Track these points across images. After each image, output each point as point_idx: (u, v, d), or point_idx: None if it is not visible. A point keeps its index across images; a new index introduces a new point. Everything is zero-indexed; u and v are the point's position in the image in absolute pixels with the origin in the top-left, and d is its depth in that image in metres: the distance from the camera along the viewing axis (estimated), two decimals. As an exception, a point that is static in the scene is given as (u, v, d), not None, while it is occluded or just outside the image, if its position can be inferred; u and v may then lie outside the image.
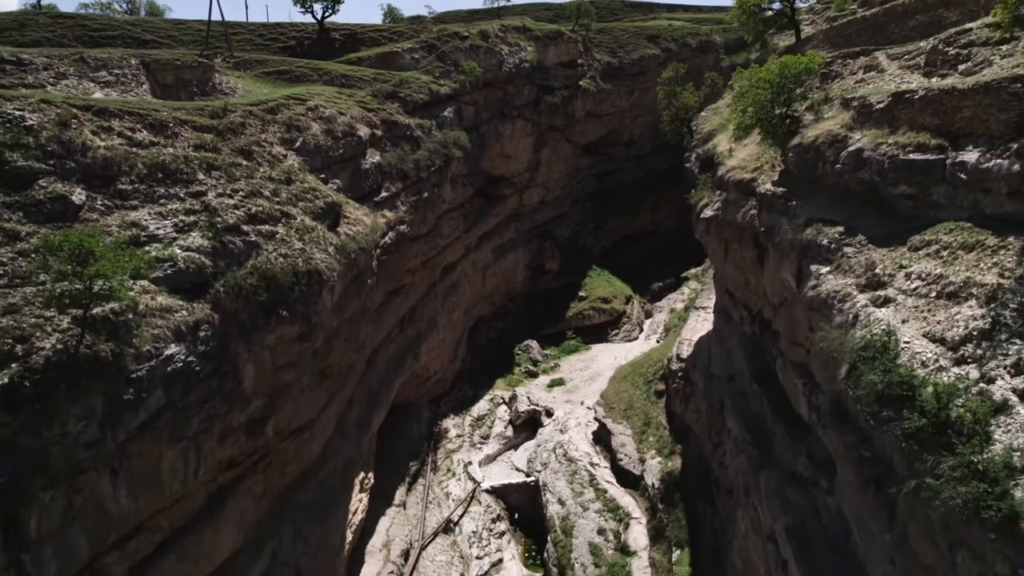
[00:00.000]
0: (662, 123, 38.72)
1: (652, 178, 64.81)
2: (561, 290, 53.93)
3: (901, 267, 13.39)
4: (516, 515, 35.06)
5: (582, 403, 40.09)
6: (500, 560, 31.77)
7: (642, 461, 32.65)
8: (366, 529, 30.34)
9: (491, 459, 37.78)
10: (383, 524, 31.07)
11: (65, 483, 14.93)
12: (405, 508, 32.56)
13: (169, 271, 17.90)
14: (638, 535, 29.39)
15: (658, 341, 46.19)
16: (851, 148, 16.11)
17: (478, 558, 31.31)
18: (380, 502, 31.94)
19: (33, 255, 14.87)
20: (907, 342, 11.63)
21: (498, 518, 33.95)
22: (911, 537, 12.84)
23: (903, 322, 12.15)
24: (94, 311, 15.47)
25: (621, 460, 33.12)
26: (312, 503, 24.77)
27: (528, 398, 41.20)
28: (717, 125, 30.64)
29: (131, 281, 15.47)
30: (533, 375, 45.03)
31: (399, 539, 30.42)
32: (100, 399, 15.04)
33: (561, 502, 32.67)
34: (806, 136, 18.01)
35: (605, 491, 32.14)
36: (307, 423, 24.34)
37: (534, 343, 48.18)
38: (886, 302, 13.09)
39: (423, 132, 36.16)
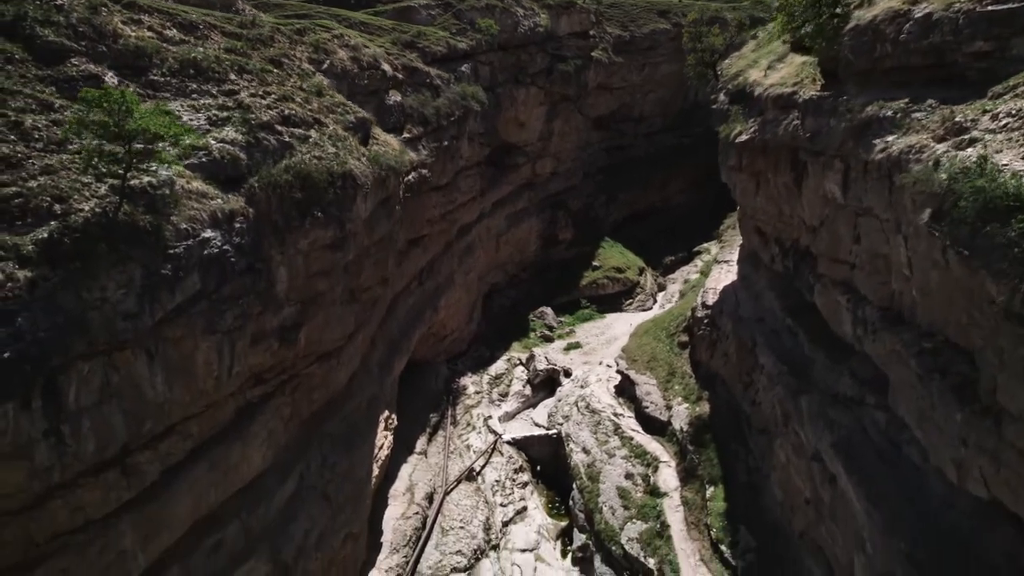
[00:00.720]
0: (687, 67, 38.27)
1: (662, 154, 64.52)
2: (574, 260, 53.39)
3: (985, 111, 12.86)
4: (538, 467, 34.36)
5: (601, 363, 39.42)
6: (524, 508, 31.10)
7: (668, 408, 32.00)
8: (388, 475, 29.66)
9: (510, 416, 37.11)
10: (405, 470, 30.39)
11: (103, 356, 14.29)
12: (427, 456, 31.88)
13: (204, 159, 17.37)
14: (668, 477, 28.72)
15: (674, 308, 45.72)
16: (918, 15, 15.63)
17: (502, 505, 30.62)
18: (402, 450, 31.27)
19: (69, 124, 14.26)
20: (1005, 164, 11.09)
21: (520, 469, 33.28)
22: (1001, 388, 12.25)
23: (997, 152, 11.61)
24: (132, 182, 14.88)
25: (647, 408, 32.47)
26: (338, 434, 24.13)
27: (546, 358, 40.59)
28: (744, 65, 30.21)
29: (172, 149, 14.88)
30: (549, 340, 44.43)
31: (422, 484, 29.73)
32: (139, 269, 14.47)
33: (585, 451, 32.00)
34: (863, 18, 17.54)
35: (631, 438, 31.48)
36: (335, 350, 23.81)
37: (548, 310, 47.60)
38: (972, 143, 12.55)
39: (442, 82, 35.74)
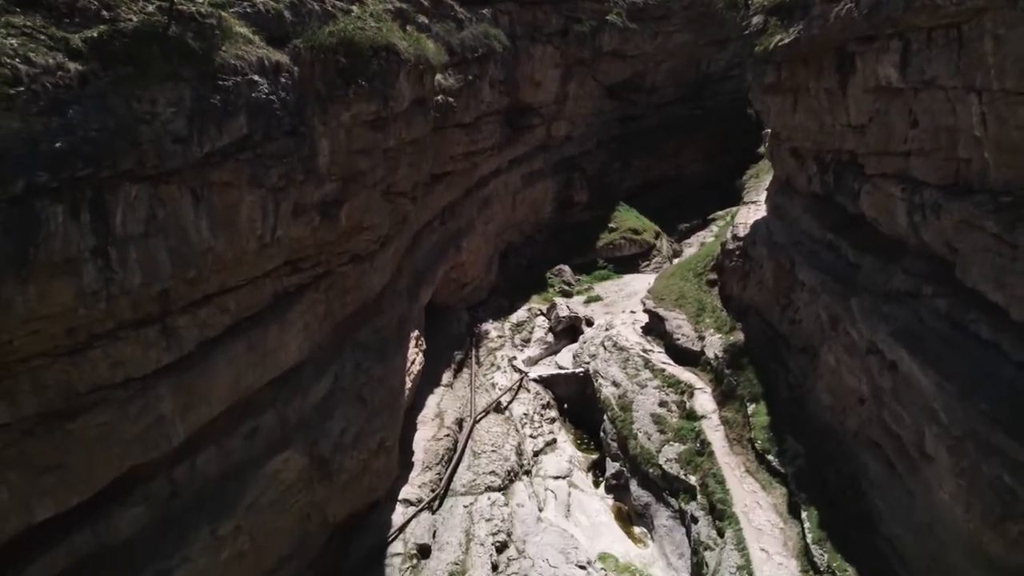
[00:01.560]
0: (716, -3, 37.75)
1: (674, 126, 64.09)
2: (589, 223, 52.79)
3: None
4: (565, 405, 33.55)
5: (624, 311, 38.73)
6: (554, 440, 30.32)
7: (701, 339, 31.28)
8: (416, 404, 28.85)
9: (534, 361, 36.35)
10: (432, 400, 29.59)
11: (150, 186, 13.60)
12: (452, 388, 31.05)
13: (248, 10, 16.68)
14: (704, 402, 27.96)
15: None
16: None
17: (532, 437, 29.81)
18: (428, 384, 30.47)
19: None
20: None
21: (548, 405, 32.51)
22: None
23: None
24: (180, 6, 14.22)
25: (678, 340, 31.74)
26: (371, 344, 23.46)
27: (567, 307, 39.89)
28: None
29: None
30: (567, 295, 43.80)
31: (451, 411, 28.93)
32: (189, 90, 13.88)
33: (615, 384, 31.23)
34: None
35: (663, 370, 30.73)
36: (368, 254, 23.28)
37: (566, 267, 46.96)
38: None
39: (465, 17, 35.29)
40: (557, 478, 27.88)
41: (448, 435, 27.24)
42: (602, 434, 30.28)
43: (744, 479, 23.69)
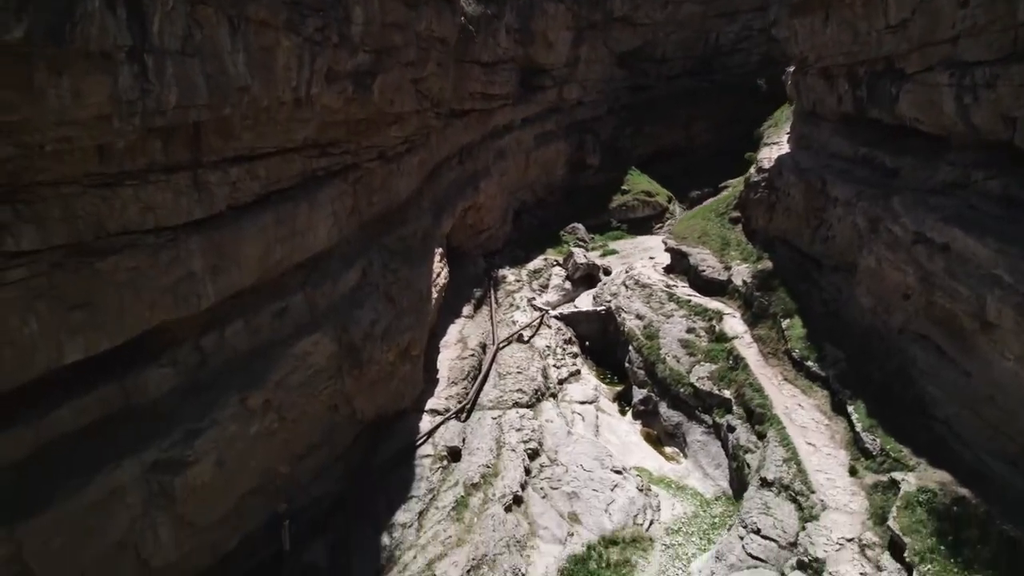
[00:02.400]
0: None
1: (684, 97, 63.70)
2: (602, 186, 52.30)
3: None
4: (587, 343, 32.79)
5: (641, 260, 38.08)
6: (578, 371, 29.52)
7: (727, 268, 30.65)
8: (437, 331, 28.10)
9: (552, 307, 35.57)
10: (454, 328, 28.91)
11: (187, 2, 12.95)
12: (473, 319, 30.32)
13: None
14: (734, 324, 27.27)
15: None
16: None
17: (556, 367, 28.99)
18: (449, 315, 29.80)
19: None
20: None
21: (570, 341, 31.74)
22: None
23: None
24: None
25: (703, 271, 31.08)
26: (397, 250, 22.93)
27: (584, 255, 39.21)
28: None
29: None
30: (583, 248, 43.09)
31: (473, 337, 28.23)
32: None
33: (639, 316, 30.53)
34: None
35: (688, 300, 30.04)
36: (394, 156, 22.57)
37: (580, 225, 46.37)
38: None
39: (483, -45, 34.86)
40: (584, 403, 27.10)
41: (472, 355, 26.51)
42: (627, 364, 29.52)
43: (782, 386, 22.96)
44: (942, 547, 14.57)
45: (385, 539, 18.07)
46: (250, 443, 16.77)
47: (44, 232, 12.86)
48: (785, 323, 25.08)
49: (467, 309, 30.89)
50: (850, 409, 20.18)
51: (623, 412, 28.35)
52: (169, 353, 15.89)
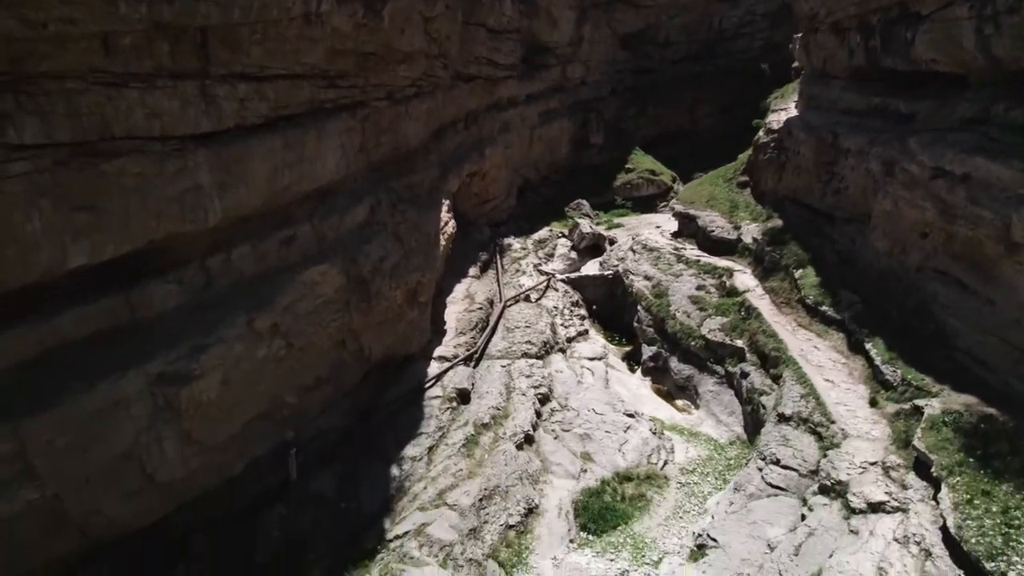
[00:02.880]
0: None
1: (687, 81, 63.48)
2: (606, 165, 51.99)
3: None
4: (594, 307, 32.40)
5: (647, 229, 37.71)
6: (586, 331, 29.09)
7: (736, 228, 30.33)
8: (444, 288, 27.73)
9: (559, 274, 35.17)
10: (461, 287, 28.57)
11: None
12: (480, 280, 29.96)
13: None
14: (745, 280, 26.89)
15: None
16: None
17: (563, 326, 28.59)
18: (455, 276, 29.45)
19: None
20: None
21: (577, 303, 31.32)
22: None
23: None
24: None
25: (712, 232, 30.75)
26: (405, 196, 22.64)
27: (590, 226, 38.86)
28: None
29: None
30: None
31: (481, 293, 27.83)
32: None
33: (647, 277, 30.17)
34: None
35: (697, 260, 29.71)
36: (403, 98, 22.27)
37: (584, 202, 46.00)
38: None
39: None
40: (592, 359, 26.67)
41: (480, 309, 26.14)
42: (635, 324, 29.12)
43: (796, 332, 22.57)
44: (971, 460, 14.16)
45: (394, 471, 17.64)
46: (257, 366, 16.36)
47: (48, 127, 12.55)
48: (798, 273, 24.71)
49: (473, 271, 30.52)
50: (868, 346, 19.80)
51: (632, 370, 27.91)
52: (175, 272, 15.55)
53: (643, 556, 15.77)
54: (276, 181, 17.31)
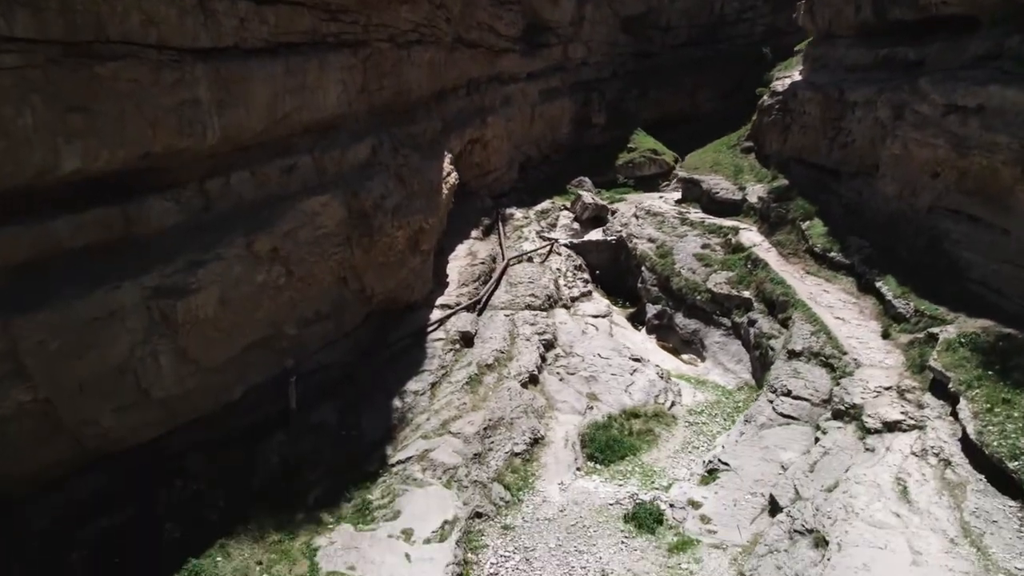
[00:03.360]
0: None
1: (689, 66, 63.16)
2: (607, 145, 51.64)
3: None
4: (597, 272, 32.03)
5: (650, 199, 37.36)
6: (589, 292, 28.69)
7: (741, 189, 29.99)
8: (445, 248, 27.36)
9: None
10: (463, 247, 28.22)
11: None
12: (482, 241, 29.59)
13: None
14: (751, 236, 26.55)
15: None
16: None
17: (567, 287, 28.21)
18: (457, 237, 29.05)
19: None
20: None
21: (580, 267, 30.95)
22: None
23: None
24: None
25: (717, 193, 30.43)
26: (407, 143, 22.14)
27: (593, 197, 38.51)
28: None
29: None
30: (590, 200, 42.26)
31: (483, 251, 27.45)
32: None
33: (651, 240, 29.84)
34: None
35: (702, 221, 29.38)
36: (405, 43, 21.92)
37: (586, 179, 45.60)
38: None
39: None
40: (596, 316, 26.27)
41: (483, 264, 25.81)
42: (639, 285, 28.77)
43: (805, 279, 22.22)
44: (989, 373, 13.78)
45: (396, 403, 17.25)
46: (256, 291, 16.00)
47: (39, 21, 12.23)
48: (804, 225, 24.39)
49: (475, 233, 30.16)
50: (878, 284, 19.45)
51: (636, 329, 27.53)
52: (172, 192, 15.20)
53: (652, 482, 15.37)
54: (277, 107, 16.97)
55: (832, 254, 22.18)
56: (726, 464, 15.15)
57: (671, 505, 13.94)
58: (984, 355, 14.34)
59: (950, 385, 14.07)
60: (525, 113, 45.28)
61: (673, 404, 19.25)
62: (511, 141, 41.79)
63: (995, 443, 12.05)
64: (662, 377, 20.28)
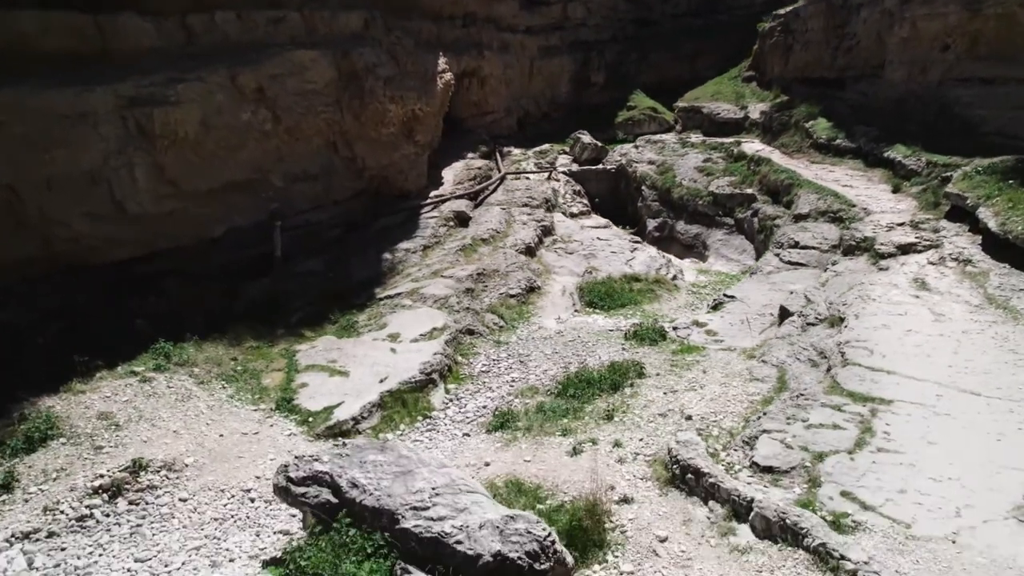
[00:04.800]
0: None
1: (689, 35, 62.66)
2: (607, 105, 50.94)
3: None
4: (596, 200, 31.30)
5: (652, 143, 36.65)
6: (588, 212, 27.95)
7: (743, 108, 29.36)
8: (438, 164, 26.65)
9: (558, 183, 34.12)
10: (459, 164, 27.40)
11: None
12: (479, 160, 28.89)
13: None
14: (754, 146, 25.87)
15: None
16: None
17: (566, 205, 27.50)
18: (451, 159, 28.31)
19: None
20: None
21: (579, 192, 30.24)
22: None
23: None
24: None
25: (719, 114, 29.90)
26: (400, 32, 21.39)
27: (591, 139, 37.85)
28: None
29: None
30: (589, 150, 41.59)
31: (479, 164, 26.78)
32: None
33: (652, 162, 29.19)
34: None
35: (703, 141, 28.75)
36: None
37: (585, 132, 44.96)
38: None
39: None
40: (596, 227, 25.51)
41: (479, 170, 25.14)
42: (639, 204, 28.10)
43: (809, 167, 21.53)
44: (1009, 183, 13.07)
45: (387, 255, 16.54)
46: (240, 128, 15.34)
47: None
48: (808, 124, 23.77)
49: (472, 155, 29.47)
50: (887, 154, 18.79)
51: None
52: (152, 20, 14.55)
53: (656, 321, 14.59)
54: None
55: (837, 141, 21.56)
56: (732, 296, 14.41)
57: (674, 328, 13.18)
58: (1002, 175, 13.65)
59: (968, 202, 13.38)
60: (524, 65, 44.71)
61: (675, 277, 18.50)
62: (509, 90, 41.24)
63: (1020, 228, 11.32)
64: (664, 257, 19.54)
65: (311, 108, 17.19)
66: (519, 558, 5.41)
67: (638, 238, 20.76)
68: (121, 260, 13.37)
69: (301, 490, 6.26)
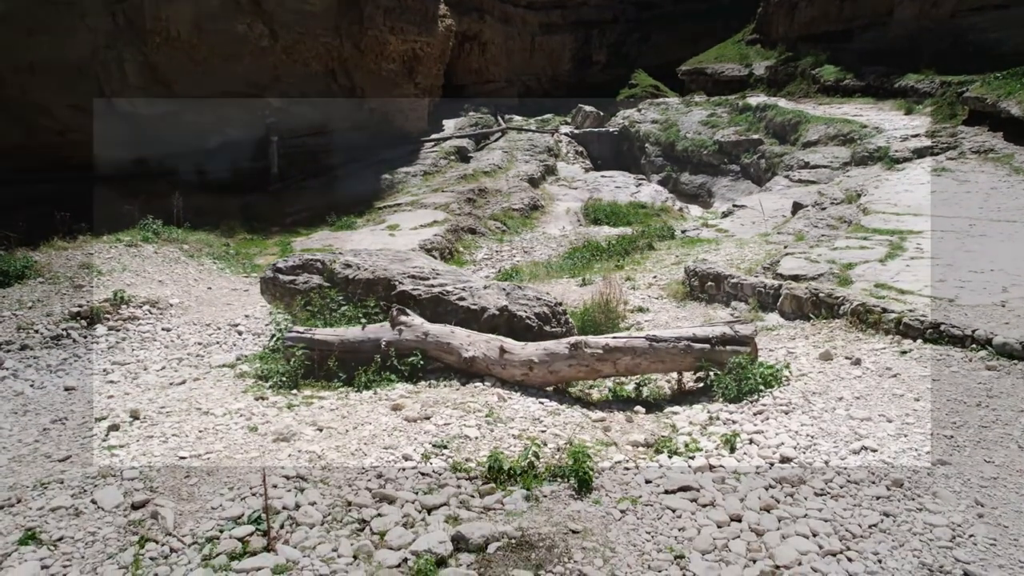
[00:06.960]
0: None
1: (691, 18, 62.41)
2: (608, 83, 50.58)
3: None
4: (599, 161, 30.87)
5: (654, 114, 36.22)
6: (590, 168, 27.54)
7: (748, 66, 28.99)
8: (438, 115, 26.25)
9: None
10: (462, 117, 27.01)
11: None
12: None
13: None
14: (759, 99, 25.42)
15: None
16: None
17: (568, 164, 27.07)
18: (452, 115, 27.93)
19: None
20: None
21: (581, 154, 29.83)
22: None
23: None
24: None
25: (723, 73, 29.66)
26: None
27: (593, 108, 37.45)
28: None
29: None
30: (591, 124, 41.22)
31: (481, 117, 26.33)
32: None
33: (655, 121, 28.75)
34: None
35: (707, 99, 28.30)
36: None
37: (587, 106, 44.54)
38: None
39: None
40: (598, 172, 25.11)
41: (481, 118, 24.68)
42: (643, 161, 27.59)
43: (816, 108, 21.10)
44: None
45: (387, 176, 16.09)
46: (236, 40, 14.89)
47: None
48: (816, 70, 23.34)
49: (474, 112, 29.05)
50: (899, 83, 18.33)
51: (640, 200, 26.33)
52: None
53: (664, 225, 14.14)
54: None
55: (845, 82, 21.18)
56: (742, 205, 13.95)
57: (683, 231, 12.72)
58: (1023, 75, 13.20)
59: (987, 100, 12.91)
60: (525, 40, 44.39)
61: (682, 209, 18.05)
62: (510, 61, 40.92)
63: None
64: (669, 194, 19.09)
65: (309, 31, 16.76)
66: (527, 317, 4.93)
67: (643, 176, 20.16)
68: (111, 160, 12.90)
69: (289, 278, 5.78)
